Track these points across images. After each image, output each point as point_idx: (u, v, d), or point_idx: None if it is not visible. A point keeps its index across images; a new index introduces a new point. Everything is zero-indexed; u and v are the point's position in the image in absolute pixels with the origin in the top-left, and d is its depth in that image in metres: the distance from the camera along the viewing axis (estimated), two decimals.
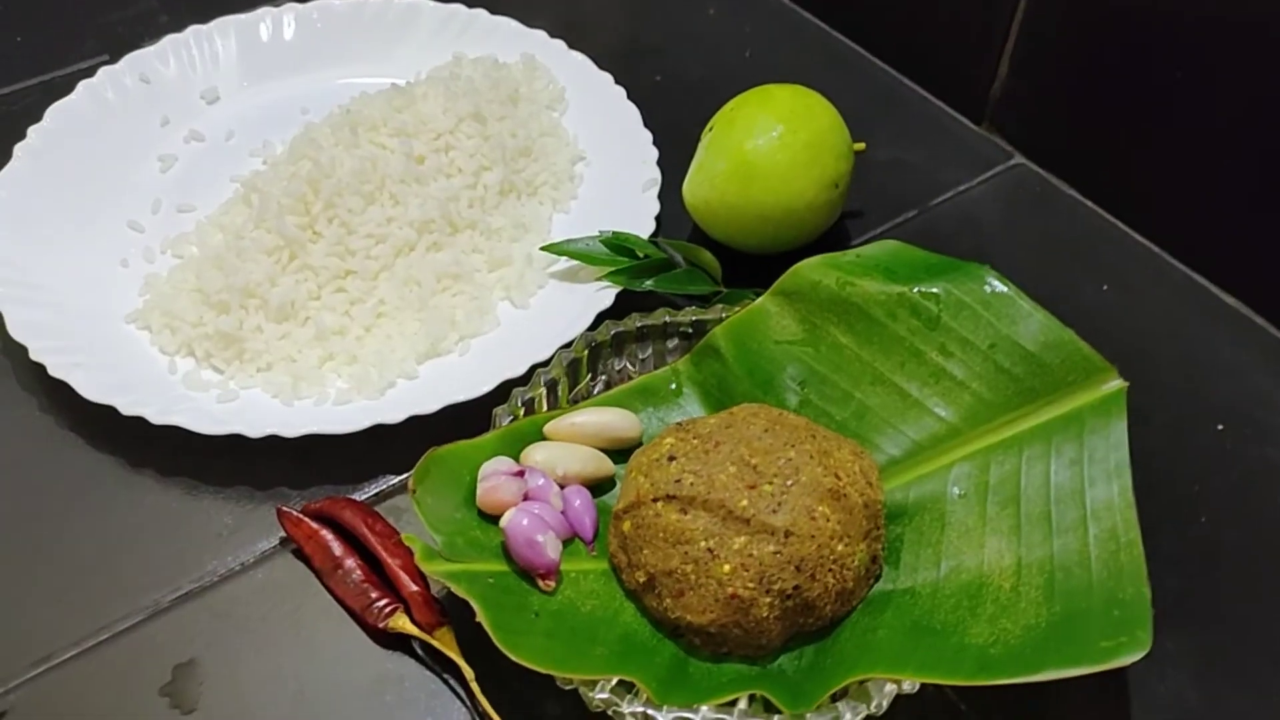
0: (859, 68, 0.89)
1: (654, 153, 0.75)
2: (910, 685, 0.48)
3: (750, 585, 0.50)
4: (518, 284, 0.68)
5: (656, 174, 0.73)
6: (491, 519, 0.54)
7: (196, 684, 0.52)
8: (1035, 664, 0.47)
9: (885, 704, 0.48)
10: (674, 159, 0.73)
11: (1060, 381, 0.56)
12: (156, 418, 0.58)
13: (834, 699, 0.48)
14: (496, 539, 0.53)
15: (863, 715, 0.47)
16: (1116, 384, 0.56)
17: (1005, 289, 0.59)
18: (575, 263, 0.69)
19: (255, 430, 0.58)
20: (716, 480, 0.52)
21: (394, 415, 0.59)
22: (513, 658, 0.48)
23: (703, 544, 0.51)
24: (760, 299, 0.62)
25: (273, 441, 0.58)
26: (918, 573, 0.53)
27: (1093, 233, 0.76)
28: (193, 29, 0.83)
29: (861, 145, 0.71)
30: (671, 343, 0.63)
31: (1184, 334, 0.68)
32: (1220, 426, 0.63)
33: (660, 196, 0.72)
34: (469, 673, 0.50)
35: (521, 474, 0.55)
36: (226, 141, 0.78)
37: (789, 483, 0.52)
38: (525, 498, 0.54)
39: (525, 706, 0.51)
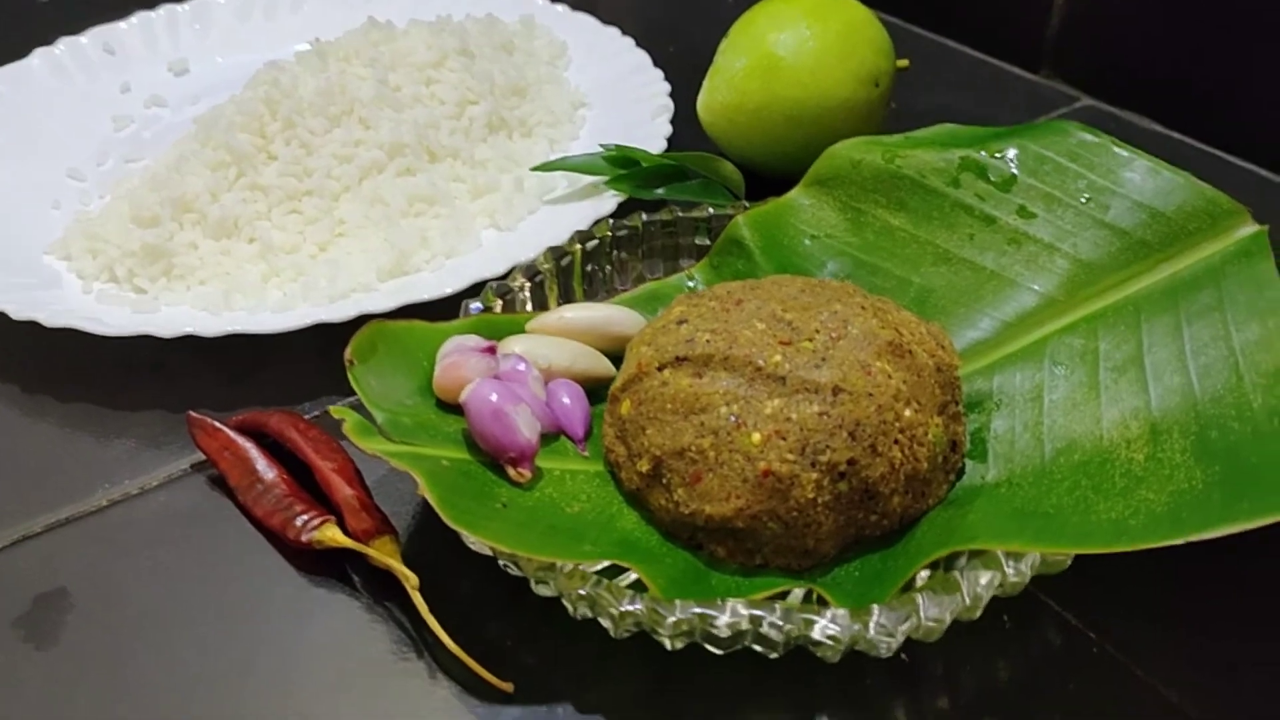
0: (898, 38, 0.81)
1: (666, 86, 0.65)
2: (1017, 568, 0.34)
3: (789, 457, 0.37)
4: (504, 209, 0.57)
5: (668, 103, 0.64)
6: (453, 408, 0.42)
7: (58, 615, 0.39)
8: (1197, 524, 0.33)
9: (980, 598, 0.34)
10: (687, 110, 0.63)
11: (1180, 231, 0.44)
12: (50, 321, 0.47)
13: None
14: (458, 426, 0.41)
15: (947, 613, 0.34)
16: (1252, 228, 0.43)
17: (1096, 139, 0.47)
18: (571, 189, 0.58)
19: (166, 330, 0.47)
20: (740, 337, 0.40)
21: (338, 314, 0.47)
22: (467, 535, 0.35)
23: (724, 410, 0.38)
24: (789, 192, 0.51)
25: (200, 362, 0.47)
26: (1014, 461, 0.40)
27: (1182, 164, 0.64)
28: (165, 7, 0.76)
29: (905, 62, 0.61)
30: (685, 249, 0.52)
31: None
32: None
33: (674, 130, 0.62)
34: (411, 580, 0.37)
35: (491, 351, 0.43)
36: (192, 106, 0.70)
37: (834, 336, 0.40)
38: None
39: (477, 629, 0.38)
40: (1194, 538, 0.33)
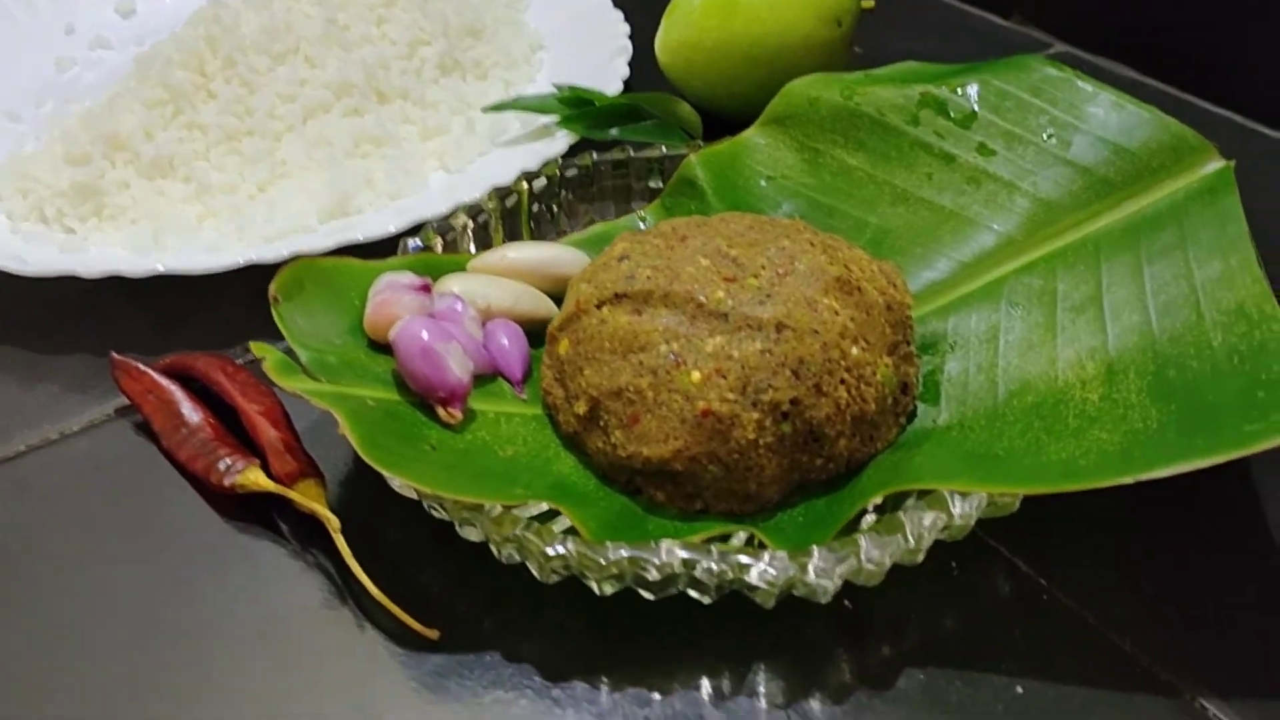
0: None
1: (625, 27, 0.63)
2: (961, 509, 0.33)
3: (730, 396, 0.35)
4: (454, 150, 0.55)
5: (627, 44, 0.62)
6: (385, 348, 0.40)
7: None
8: (1147, 462, 0.32)
9: (924, 540, 0.33)
10: (649, 53, 0.61)
11: (1144, 168, 0.43)
12: None
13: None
14: (388, 366, 0.39)
15: (888, 555, 0.32)
16: (1219, 164, 0.42)
17: (1060, 73, 0.45)
18: (524, 131, 0.56)
19: (91, 270, 0.45)
20: (682, 273, 0.38)
21: (272, 254, 0.45)
22: (390, 475, 0.33)
23: (663, 348, 0.36)
24: (745, 131, 0.49)
25: (132, 305, 0.45)
26: (966, 404, 0.39)
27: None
28: None
29: (870, 1, 0.59)
30: (638, 191, 0.50)
31: None
32: None
33: (634, 73, 0.60)
34: (333, 523, 0.36)
35: (426, 289, 0.41)
36: (137, 48, 0.67)
37: (780, 272, 0.38)
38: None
39: (406, 576, 0.36)
40: (1144, 476, 0.31)
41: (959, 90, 0.46)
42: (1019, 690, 0.33)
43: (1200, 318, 0.36)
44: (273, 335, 0.39)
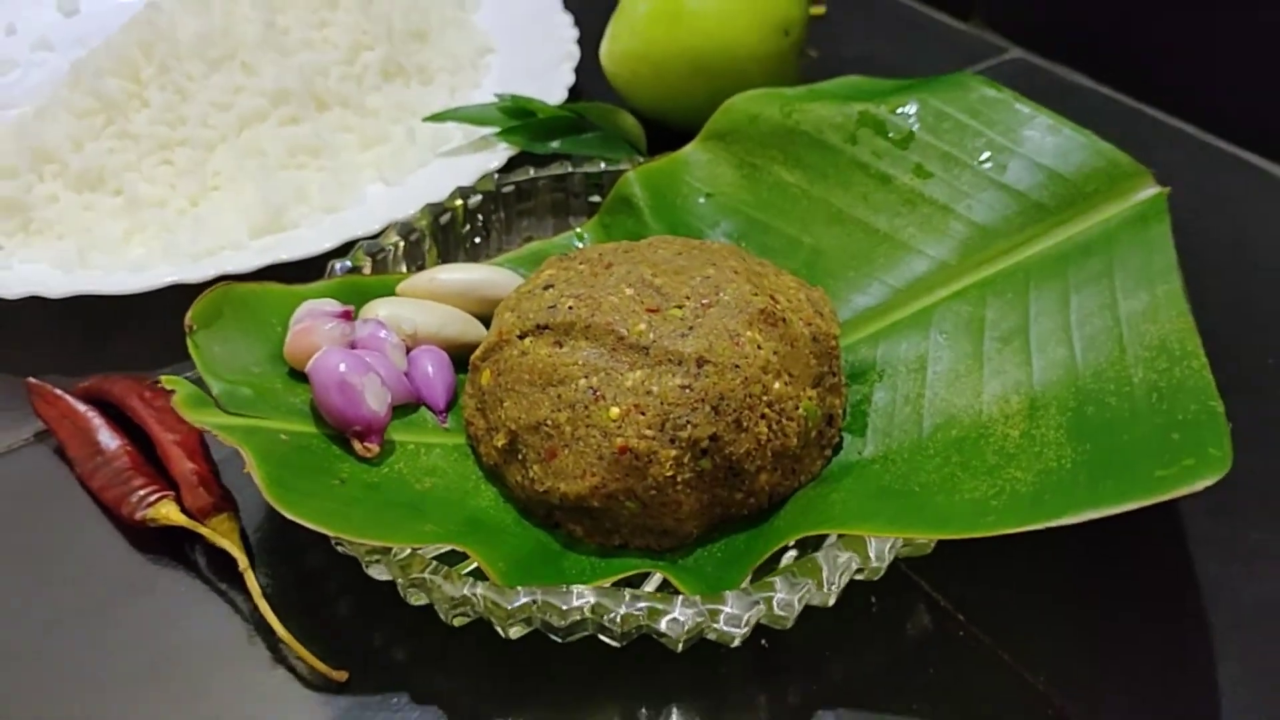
0: None
1: (573, 32, 0.62)
2: (877, 551, 0.32)
3: (648, 433, 0.35)
4: (393, 161, 0.54)
5: (574, 49, 0.61)
6: (305, 377, 0.39)
7: None
8: (1058, 508, 0.31)
9: (836, 584, 0.32)
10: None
11: (1078, 193, 0.42)
12: None
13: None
14: (306, 397, 0.39)
15: (805, 596, 0.32)
16: (1153, 190, 0.41)
17: (998, 94, 0.45)
18: (467, 141, 0.55)
19: (10, 290, 0.44)
20: (604, 303, 0.37)
21: (196, 274, 0.45)
22: (285, 513, 0.32)
23: (582, 382, 0.36)
24: (685, 147, 0.48)
25: (55, 324, 0.44)
26: (891, 436, 0.38)
27: (1111, 119, 0.62)
28: None
29: (820, 9, 0.59)
30: (578, 207, 0.50)
31: (1233, 210, 0.54)
32: None
33: (582, 80, 0.59)
34: (242, 562, 0.35)
35: (348, 316, 0.40)
36: (80, 49, 0.66)
37: (704, 303, 0.37)
38: (352, 348, 0.40)
39: (319, 611, 0.36)
40: (1054, 523, 0.31)
41: (898, 110, 0.45)
42: None
43: (1123, 352, 0.36)
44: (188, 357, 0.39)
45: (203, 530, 0.36)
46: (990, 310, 0.40)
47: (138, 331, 0.47)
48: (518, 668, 0.34)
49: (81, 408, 0.41)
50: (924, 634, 0.35)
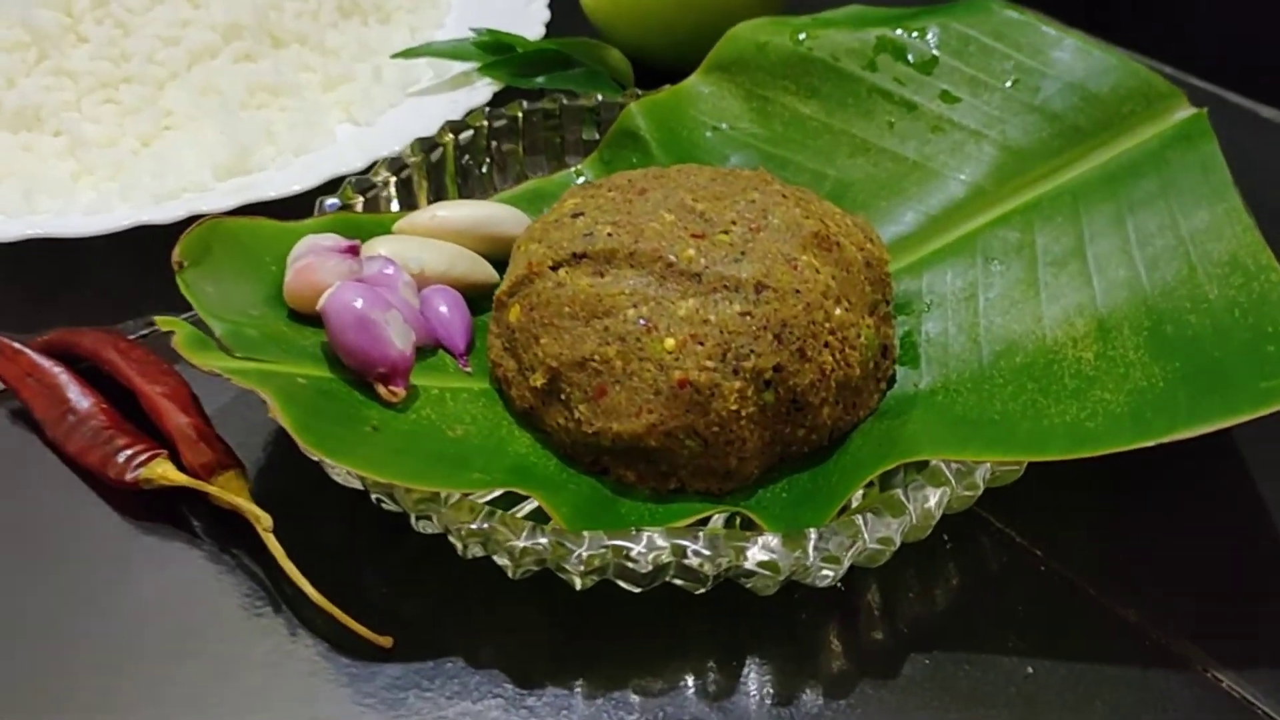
0: None
1: None
2: (966, 483, 0.30)
3: (709, 364, 0.32)
4: (362, 100, 0.50)
5: None
6: (310, 319, 0.35)
7: None
8: (1164, 425, 0.30)
9: (930, 516, 0.30)
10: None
11: (1114, 115, 0.41)
12: None
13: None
14: (316, 340, 0.35)
15: (897, 534, 0.30)
16: (1189, 111, 0.40)
17: (1021, 16, 0.43)
18: (437, 80, 0.52)
19: None
20: (647, 230, 0.34)
21: (165, 214, 0.40)
22: (333, 465, 0.29)
23: (631, 313, 0.33)
24: (687, 79, 0.46)
25: (1, 274, 0.39)
26: (949, 367, 0.36)
27: None
28: None
29: None
30: (571, 145, 0.46)
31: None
32: None
33: (554, 19, 0.55)
34: (263, 520, 0.31)
35: (354, 252, 0.36)
36: None
37: (753, 227, 0.35)
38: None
39: (346, 577, 0.32)
40: (1165, 439, 0.29)
41: (917, 34, 0.43)
42: (1029, 670, 0.31)
43: (1192, 270, 0.35)
44: (164, 305, 0.35)
45: (210, 489, 0.32)
46: (1040, 235, 0.38)
47: (94, 280, 0.42)
48: (574, 626, 0.31)
49: (46, 363, 0.36)
50: (1002, 571, 0.34)
